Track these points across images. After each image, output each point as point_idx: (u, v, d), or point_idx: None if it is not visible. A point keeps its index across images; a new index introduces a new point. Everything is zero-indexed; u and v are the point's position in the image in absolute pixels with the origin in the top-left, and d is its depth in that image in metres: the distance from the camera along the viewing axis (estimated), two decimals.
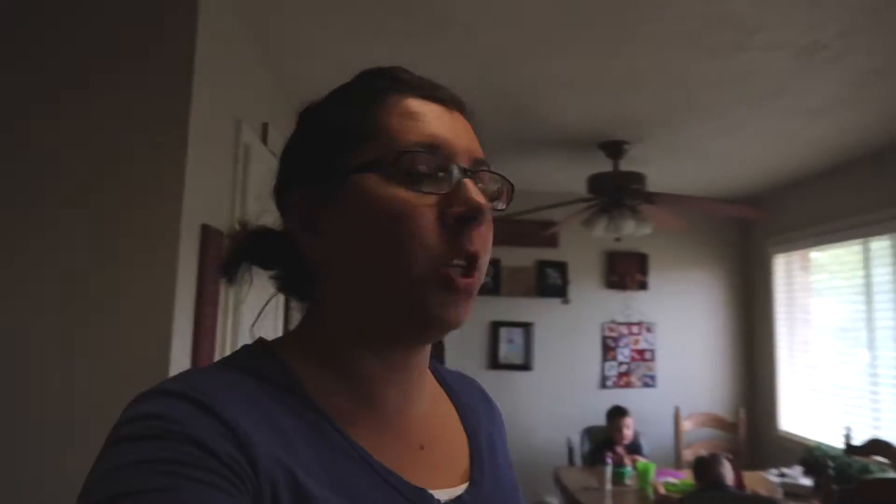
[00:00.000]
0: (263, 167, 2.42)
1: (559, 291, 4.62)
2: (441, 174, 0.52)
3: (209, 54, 1.84)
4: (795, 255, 4.23)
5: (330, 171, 0.54)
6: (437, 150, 0.53)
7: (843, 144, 3.33)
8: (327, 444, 0.49)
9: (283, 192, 0.58)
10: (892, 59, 2.30)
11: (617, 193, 3.29)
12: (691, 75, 2.51)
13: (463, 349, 4.54)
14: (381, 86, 0.56)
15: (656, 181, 4.02)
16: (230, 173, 2.13)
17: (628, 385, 4.57)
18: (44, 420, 1.56)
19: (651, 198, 3.31)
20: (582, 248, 4.58)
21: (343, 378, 0.54)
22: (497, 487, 0.62)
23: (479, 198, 0.52)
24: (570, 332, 4.60)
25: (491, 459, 0.64)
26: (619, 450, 3.61)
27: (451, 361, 4.48)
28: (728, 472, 2.82)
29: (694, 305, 4.69)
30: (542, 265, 4.63)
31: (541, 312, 4.61)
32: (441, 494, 0.54)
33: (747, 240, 4.76)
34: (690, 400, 4.44)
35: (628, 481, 3.23)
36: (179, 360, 1.71)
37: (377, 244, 0.52)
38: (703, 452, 2.93)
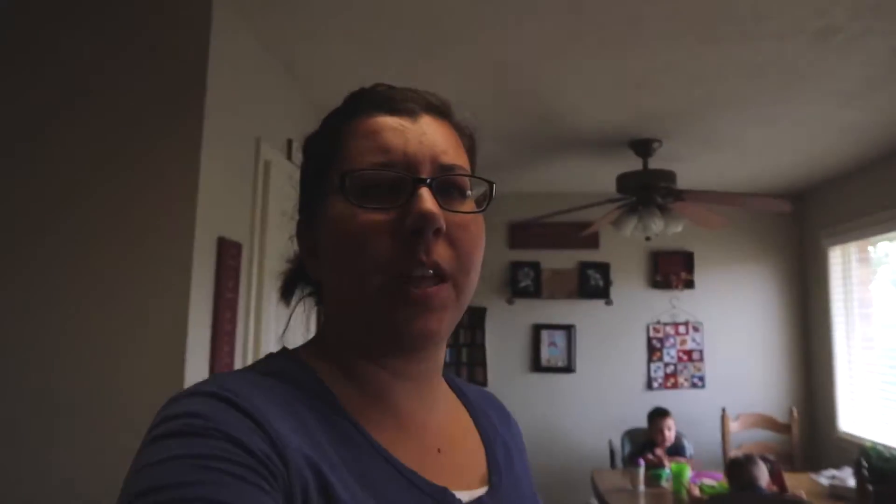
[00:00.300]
0: (287, 182, 2.58)
1: (602, 293, 4.57)
2: (396, 187, 0.53)
3: (223, 77, 2.00)
4: (852, 247, 4.01)
5: (313, 197, 0.59)
6: (390, 165, 0.53)
7: (886, 130, 3.15)
8: (353, 445, 0.51)
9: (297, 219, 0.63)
10: None
11: (645, 192, 3.25)
12: (708, 68, 2.47)
13: (505, 353, 4.58)
14: (351, 108, 0.58)
15: (694, 178, 3.95)
16: (250, 189, 2.29)
17: (675, 386, 4.46)
18: (73, 418, 1.75)
19: (681, 195, 3.25)
20: (624, 248, 4.52)
21: (357, 384, 0.56)
22: (517, 494, 0.62)
23: (431, 207, 0.51)
24: (613, 333, 4.54)
25: (507, 466, 0.64)
26: (658, 452, 3.54)
27: (493, 365, 4.54)
28: (762, 474, 2.73)
29: (744, 303, 4.52)
30: (584, 266, 4.60)
31: (583, 314, 4.58)
32: (461, 495, 0.54)
33: (800, 233, 4.55)
34: (742, 401, 4.28)
35: (665, 483, 3.17)
36: (197, 363, 1.86)
37: (338, 263, 0.54)
38: (738, 454, 2.85)
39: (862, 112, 2.92)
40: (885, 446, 3.39)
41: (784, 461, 3.89)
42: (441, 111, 0.59)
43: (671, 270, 4.54)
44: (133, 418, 1.74)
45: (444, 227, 0.52)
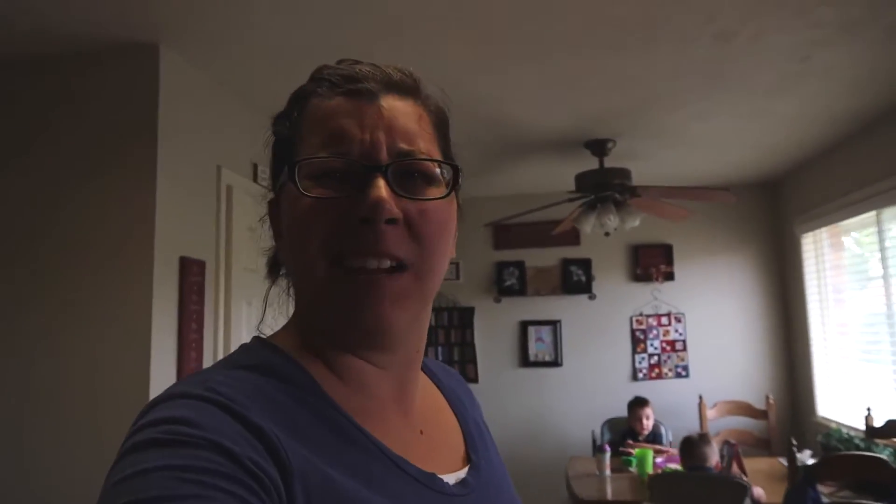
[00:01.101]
0: (255, 203, 2.85)
1: (584, 288, 4.73)
2: (348, 175, 0.51)
3: (175, 113, 2.28)
4: (824, 233, 4.08)
5: (276, 180, 0.58)
6: (344, 152, 0.52)
7: (829, 118, 3.26)
8: (344, 438, 0.50)
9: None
10: (814, 38, 2.32)
11: (601, 190, 3.42)
12: (631, 72, 2.64)
13: (494, 349, 4.77)
14: (307, 90, 0.57)
15: (658, 174, 4.09)
16: (213, 212, 2.56)
17: (660, 376, 4.59)
18: (53, 426, 2.05)
19: (635, 191, 3.41)
20: (605, 243, 4.65)
21: (335, 372, 0.54)
22: (492, 468, 0.63)
23: (381, 195, 0.49)
24: (597, 326, 4.70)
25: (481, 442, 0.65)
26: (629, 441, 3.69)
27: (483, 362, 4.75)
28: (713, 454, 2.87)
29: (724, 293, 4.62)
30: (567, 263, 4.77)
31: (568, 309, 4.74)
32: (447, 478, 0.55)
33: (775, 222, 4.62)
34: (725, 388, 4.39)
35: (633, 469, 3.33)
36: (163, 367, 2.14)
37: (291, 249, 0.54)
38: (694, 434, 2.98)
39: (795, 104, 3.03)
40: (848, 428, 3.48)
41: (762, 446, 3.99)
42: (405, 88, 0.56)
43: (651, 263, 4.67)
44: (102, 416, 2.03)
45: (400, 215, 0.50)
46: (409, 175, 0.53)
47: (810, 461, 3.14)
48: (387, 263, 0.51)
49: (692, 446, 2.88)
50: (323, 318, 0.54)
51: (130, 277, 2.12)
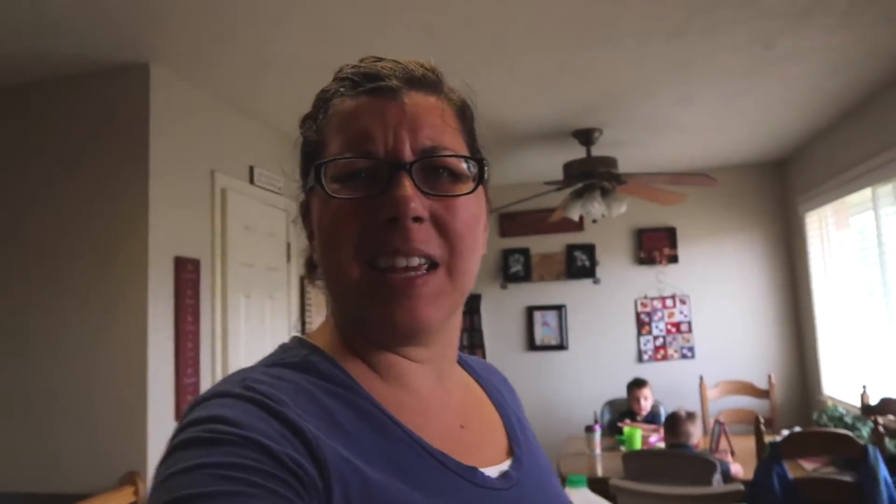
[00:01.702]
0: (251, 203, 3.07)
1: (589, 272, 4.81)
2: (374, 174, 0.51)
3: (166, 124, 2.50)
4: (828, 210, 4.04)
5: (304, 183, 0.58)
6: (369, 152, 0.52)
7: (821, 98, 3.25)
8: (384, 434, 0.50)
9: None
10: (772, 27, 2.35)
11: (588, 178, 3.50)
12: (605, 65, 2.71)
13: (501, 335, 4.91)
14: (330, 91, 0.56)
15: (653, 161, 4.13)
16: (207, 213, 2.78)
17: (665, 358, 4.64)
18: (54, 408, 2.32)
19: (621, 179, 3.48)
20: (608, 228, 4.72)
21: (374, 369, 0.55)
22: (535, 462, 0.62)
23: (404, 192, 0.49)
24: (602, 310, 4.77)
25: (524, 436, 0.65)
26: (626, 421, 3.78)
27: (491, 347, 4.89)
28: (696, 431, 2.94)
29: (729, 274, 4.62)
30: (571, 249, 4.85)
31: (572, 294, 4.83)
32: (489, 471, 0.54)
33: (781, 202, 4.58)
34: (731, 368, 4.41)
35: (624, 447, 3.43)
36: (161, 355, 2.37)
37: (322, 253, 0.54)
38: (681, 411, 3.05)
39: (777, 87, 3.04)
40: (844, 406, 3.49)
41: (766, 425, 4.01)
42: (427, 84, 0.56)
43: (655, 247, 4.71)
44: (103, 407, 2.29)
45: (426, 213, 0.51)
46: (434, 171, 0.53)
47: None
48: (416, 262, 0.51)
49: (675, 424, 2.96)
50: (359, 318, 0.54)
51: (127, 276, 2.36)
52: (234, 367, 2.76)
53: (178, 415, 2.43)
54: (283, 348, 0.56)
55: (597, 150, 3.64)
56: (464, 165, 0.54)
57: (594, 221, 3.64)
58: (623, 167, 3.59)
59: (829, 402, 3.77)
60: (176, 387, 2.46)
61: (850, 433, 2.44)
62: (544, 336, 4.84)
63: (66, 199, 2.44)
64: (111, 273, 2.36)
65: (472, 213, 0.54)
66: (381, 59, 0.57)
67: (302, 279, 3.57)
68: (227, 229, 2.87)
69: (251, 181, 3.12)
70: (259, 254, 3.11)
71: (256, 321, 3.07)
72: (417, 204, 0.50)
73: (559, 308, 4.83)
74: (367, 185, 0.51)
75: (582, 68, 2.75)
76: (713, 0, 2.17)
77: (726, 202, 4.61)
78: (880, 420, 2.75)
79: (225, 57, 2.46)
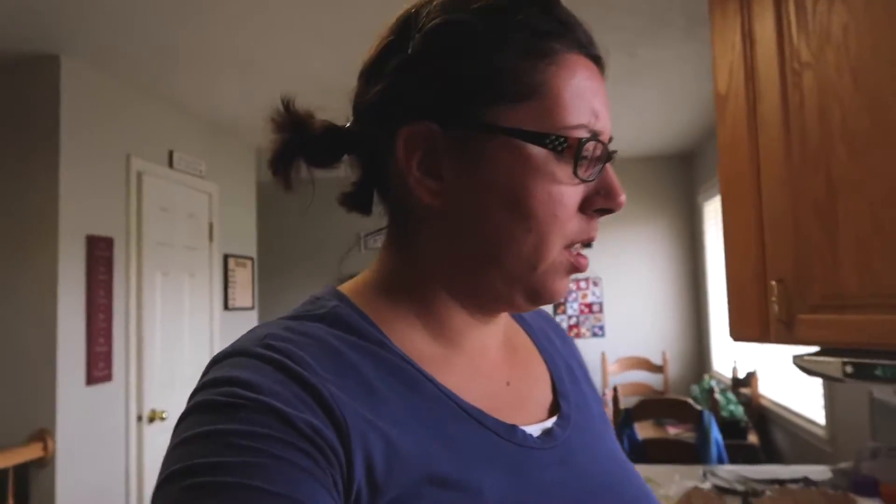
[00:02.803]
0: (169, 186, 3.28)
1: None
2: (594, 158, 0.48)
3: (78, 111, 2.69)
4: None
5: (472, 119, 0.48)
6: (597, 133, 0.49)
7: (700, 99, 3.55)
8: (415, 391, 0.48)
9: (393, 112, 0.50)
10: (625, 39, 2.62)
11: None
12: None
13: None
14: (548, 31, 0.49)
15: None
16: (123, 194, 2.98)
17: (579, 336, 4.98)
18: None
19: None
20: None
21: (426, 322, 0.52)
22: (586, 417, 0.60)
23: (621, 191, 0.50)
24: None
25: (574, 387, 0.62)
26: None
27: None
28: None
29: (640, 258, 4.96)
30: None
31: None
32: (532, 429, 0.52)
33: (686, 191, 4.93)
34: (636, 346, 4.78)
35: None
36: (71, 326, 2.60)
37: (516, 220, 0.48)
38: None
39: (656, 89, 3.33)
40: (717, 380, 3.86)
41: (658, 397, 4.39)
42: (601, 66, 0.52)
43: None
44: (14, 369, 2.51)
45: None
46: None
47: None
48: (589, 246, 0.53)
49: None
50: (502, 281, 0.50)
51: (36, 252, 2.57)
52: (147, 339, 3.03)
53: (90, 379, 2.68)
54: (312, 298, 0.53)
55: None
56: None
57: None
58: None
59: (713, 377, 4.14)
60: (88, 354, 2.68)
61: (689, 399, 2.79)
62: None
63: None
64: (22, 249, 2.57)
65: None
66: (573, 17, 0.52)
67: (226, 258, 3.80)
68: (143, 210, 3.08)
69: (170, 165, 3.33)
70: (178, 234, 3.33)
71: (174, 297, 3.29)
72: None
73: None
74: (587, 170, 0.48)
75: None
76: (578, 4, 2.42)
77: (640, 190, 4.92)
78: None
79: (136, 44, 2.62)
